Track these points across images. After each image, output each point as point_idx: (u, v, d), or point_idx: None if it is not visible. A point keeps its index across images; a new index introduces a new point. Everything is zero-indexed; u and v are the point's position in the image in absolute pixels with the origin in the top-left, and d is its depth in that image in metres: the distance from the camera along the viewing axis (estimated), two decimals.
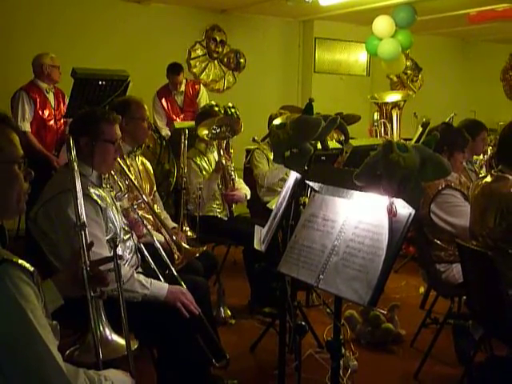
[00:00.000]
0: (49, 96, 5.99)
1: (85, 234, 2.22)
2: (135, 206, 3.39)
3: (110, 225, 2.92)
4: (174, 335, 2.81)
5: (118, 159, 3.43)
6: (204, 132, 4.65)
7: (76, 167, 2.47)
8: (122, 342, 2.18)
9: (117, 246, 2.29)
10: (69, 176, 2.82)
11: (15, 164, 1.67)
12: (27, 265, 1.55)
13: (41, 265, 2.50)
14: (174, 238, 3.47)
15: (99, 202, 2.85)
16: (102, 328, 2.17)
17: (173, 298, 2.86)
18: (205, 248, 3.64)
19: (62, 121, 5.97)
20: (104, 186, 3.05)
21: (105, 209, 2.88)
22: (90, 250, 2.17)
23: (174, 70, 7.17)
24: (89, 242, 2.58)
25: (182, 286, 3.06)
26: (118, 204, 3.18)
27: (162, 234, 3.53)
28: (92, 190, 2.86)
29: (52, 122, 5.97)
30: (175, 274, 3.17)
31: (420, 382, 3.65)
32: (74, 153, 2.54)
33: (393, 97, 6.56)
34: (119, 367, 2.03)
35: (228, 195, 4.84)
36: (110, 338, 2.18)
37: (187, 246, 3.49)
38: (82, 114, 3.13)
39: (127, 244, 3.11)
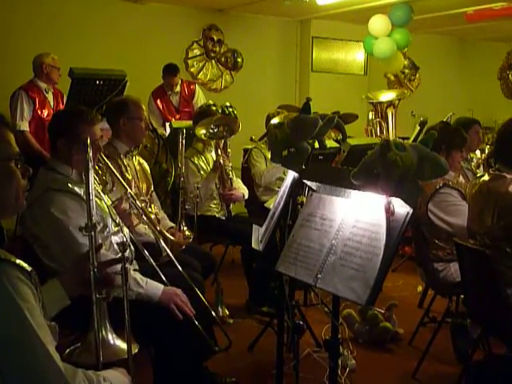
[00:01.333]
0: (48, 96, 6.00)
1: (95, 235, 2.20)
2: (129, 195, 3.37)
3: (98, 218, 2.90)
4: (170, 334, 2.80)
5: (109, 160, 3.42)
6: (202, 132, 4.65)
7: (91, 167, 2.40)
8: (123, 345, 2.18)
9: (126, 249, 2.27)
10: (49, 176, 2.83)
11: (11, 161, 1.67)
12: (25, 265, 1.55)
13: (38, 265, 2.50)
14: (158, 228, 3.46)
15: (83, 196, 2.81)
16: (104, 330, 2.17)
17: (167, 300, 2.84)
18: (191, 240, 3.65)
19: None
20: None
21: None
22: (98, 252, 2.16)
23: (171, 71, 7.16)
24: (77, 235, 2.60)
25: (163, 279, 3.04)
26: (106, 196, 3.16)
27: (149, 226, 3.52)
28: (75, 187, 2.85)
29: None
30: (157, 268, 3.14)
31: (418, 380, 3.65)
32: (90, 153, 2.46)
33: (387, 96, 6.54)
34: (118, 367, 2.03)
35: (226, 195, 4.84)
36: (111, 340, 2.18)
37: (173, 238, 3.48)
38: (60, 115, 3.09)
39: (118, 236, 3.10)
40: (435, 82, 10.24)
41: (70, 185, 2.85)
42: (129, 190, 3.47)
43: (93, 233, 2.19)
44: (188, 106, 7.31)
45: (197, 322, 2.96)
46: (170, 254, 3.25)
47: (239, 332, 4.30)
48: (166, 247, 3.29)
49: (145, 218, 3.44)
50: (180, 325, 2.84)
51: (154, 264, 3.12)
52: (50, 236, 2.77)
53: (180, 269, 3.19)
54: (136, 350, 2.24)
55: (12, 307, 1.48)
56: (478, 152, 5.52)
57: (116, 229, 3.08)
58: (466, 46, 10.84)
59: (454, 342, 3.78)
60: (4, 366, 1.48)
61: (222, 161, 4.74)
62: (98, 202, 2.98)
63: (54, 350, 1.55)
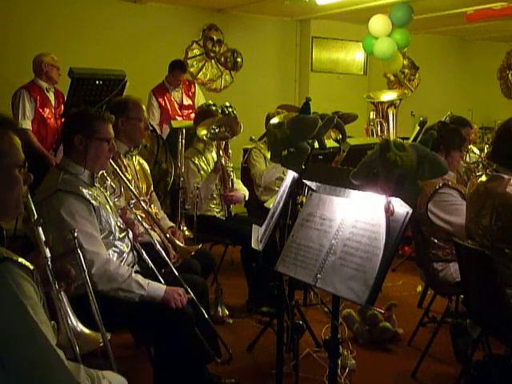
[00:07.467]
0: (49, 95, 6.01)
1: (42, 229, 2.17)
2: (131, 206, 3.39)
3: (104, 223, 2.93)
4: (170, 334, 2.81)
5: (111, 160, 3.43)
6: (203, 132, 4.64)
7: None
8: (92, 334, 2.16)
9: (75, 237, 2.26)
10: (60, 176, 2.85)
11: (16, 168, 1.69)
12: (27, 263, 1.57)
13: None
14: (168, 235, 3.47)
15: (91, 201, 2.86)
16: (70, 322, 2.14)
17: (169, 300, 2.86)
18: (200, 246, 3.64)
19: (62, 120, 5.96)
20: (97, 185, 3.05)
21: (98, 208, 2.89)
22: (48, 247, 2.14)
23: (181, 67, 7.13)
24: (83, 240, 2.59)
25: (182, 283, 3.08)
26: (112, 203, 3.18)
27: (156, 233, 3.53)
28: (84, 191, 2.86)
29: (52, 121, 5.99)
30: (175, 272, 3.18)
31: (418, 380, 3.65)
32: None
33: (388, 96, 6.53)
34: (115, 368, 2.03)
35: (227, 196, 4.84)
36: (79, 331, 2.16)
37: (182, 245, 3.49)
38: (76, 112, 3.14)
39: (123, 242, 3.11)
40: (435, 82, 10.24)
41: (80, 188, 2.87)
42: (137, 195, 3.48)
43: (35, 227, 2.17)
44: (191, 101, 7.31)
45: (198, 331, 2.98)
46: (174, 270, 3.25)
47: (239, 332, 4.30)
48: (169, 262, 3.29)
49: (146, 225, 3.45)
50: (181, 327, 2.84)
51: (156, 271, 3.13)
52: (54, 236, 2.78)
53: (186, 287, 3.17)
54: (108, 337, 2.23)
55: (15, 304, 1.49)
56: (476, 151, 5.51)
57: (122, 235, 3.09)
58: (466, 46, 10.84)
59: (453, 342, 3.78)
60: (7, 362, 1.48)
61: (223, 162, 4.74)
62: (108, 208, 3.00)
63: (57, 347, 1.56)
